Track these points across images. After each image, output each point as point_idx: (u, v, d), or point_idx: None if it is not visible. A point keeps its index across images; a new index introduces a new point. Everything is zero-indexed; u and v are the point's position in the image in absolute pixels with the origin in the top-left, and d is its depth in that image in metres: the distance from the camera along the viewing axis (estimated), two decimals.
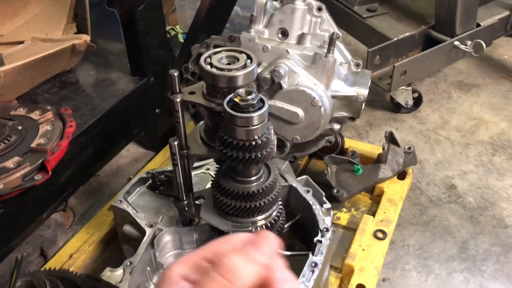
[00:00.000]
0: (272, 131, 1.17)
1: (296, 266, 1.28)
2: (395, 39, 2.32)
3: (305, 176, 1.55)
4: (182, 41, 2.92)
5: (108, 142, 1.76)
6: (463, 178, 2.05)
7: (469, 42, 2.35)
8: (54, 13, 1.98)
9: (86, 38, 1.78)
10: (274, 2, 1.63)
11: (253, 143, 1.12)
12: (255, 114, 1.08)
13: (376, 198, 1.85)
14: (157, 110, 1.98)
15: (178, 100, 1.18)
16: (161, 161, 2.03)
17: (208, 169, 1.59)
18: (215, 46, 1.74)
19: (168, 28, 2.90)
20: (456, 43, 2.33)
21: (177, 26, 3.10)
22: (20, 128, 1.42)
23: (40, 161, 1.33)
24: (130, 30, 1.81)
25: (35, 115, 1.50)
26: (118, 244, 1.61)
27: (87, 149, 1.63)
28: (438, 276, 1.63)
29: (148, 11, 1.77)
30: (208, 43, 1.78)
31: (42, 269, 1.49)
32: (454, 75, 2.76)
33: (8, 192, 1.27)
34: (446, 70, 2.78)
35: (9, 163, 1.30)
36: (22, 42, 1.86)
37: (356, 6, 2.65)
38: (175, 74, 1.17)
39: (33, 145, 1.37)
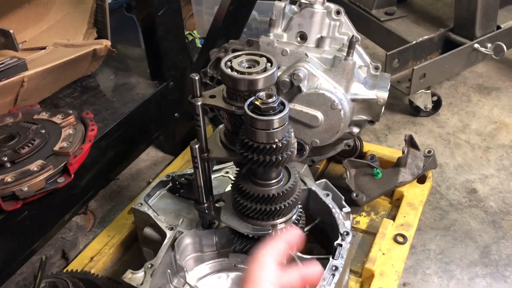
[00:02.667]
0: (292, 134, 1.17)
1: None
2: (414, 42, 2.31)
3: (324, 179, 1.55)
4: (200, 46, 2.95)
5: (128, 146, 1.77)
6: (484, 182, 2.02)
7: (489, 45, 2.32)
8: (75, 19, 2.01)
9: (106, 43, 1.80)
10: (293, 6, 1.63)
11: (274, 146, 1.12)
12: (275, 117, 1.09)
13: (396, 202, 1.83)
14: (176, 114, 2.00)
15: (199, 103, 1.19)
16: (180, 165, 2.04)
17: (227, 172, 1.60)
18: (234, 50, 1.75)
19: (185, 33, 2.92)
20: (476, 45, 2.31)
21: (195, 31, 3.13)
22: (43, 131, 1.44)
23: (63, 164, 1.35)
24: (149, 35, 1.83)
25: (57, 119, 1.52)
26: (138, 247, 1.63)
27: (107, 153, 1.65)
28: (460, 281, 1.61)
29: (167, 16, 1.79)
30: (226, 47, 1.79)
31: (64, 271, 1.51)
32: (474, 78, 2.73)
33: (32, 194, 1.29)
34: (465, 73, 2.75)
35: (33, 166, 1.32)
36: (44, 48, 1.88)
37: (374, 9, 2.65)
38: (197, 78, 1.18)
39: (56, 148, 1.39)
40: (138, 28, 2.85)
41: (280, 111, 1.10)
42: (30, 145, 1.38)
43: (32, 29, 2.00)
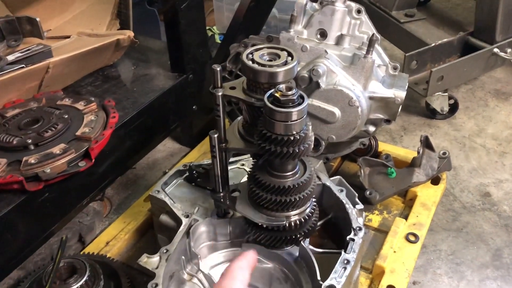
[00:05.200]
0: (310, 127, 1.19)
1: (327, 264, 1.30)
2: (433, 44, 2.31)
3: (338, 176, 1.57)
4: (219, 41, 2.98)
5: (146, 135, 1.81)
6: (498, 186, 2.02)
7: (509, 50, 2.32)
8: (99, 10, 2.05)
9: (130, 33, 1.83)
10: (314, 3, 1.66)
11: (291, 138, 1.14)
12: (294, 109, 1.11)
13: (409, 202, 1.84)
14: (194, 107, 2.02)
15: (220, 94, 1.22)
16: (196, 156, 2.07)
17: (243, 164, 1.62)
18: (253, 46, 1.77)
19: None
20: (496, 50, 2.31)
21: (214, 27, 3.17)
22: (66, 117, 1.48)
23: (84, 149, 1.38)
24: (172, 27, 1.86)
25: (80, 105, 1.56)
26: (153, 234, 1.66)
27: (126, 141, 1.68)
28: (470, 283, 1.62)
29: (190, 10, 1.82)
30: (246, 42, 1.82)
31: (81, 253, 1.54)
32: (492, 83, 2.72)
33: (54, 176, 1.32)
34: (483, 78, 2.74)
35: (56, 149, 1.36)
36: (68, 37, 1.93)
37: (394, 11, 2.65)
38: (218, 69, 1.20)
39: (78, 133, 1.43)
40: (158, 21, 2.90)
41: (299, 104, 1.12)
42: (53, 129, 1.42)
43: (58, 18, 2.05)
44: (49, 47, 1.65)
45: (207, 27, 3.07)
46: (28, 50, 1.63)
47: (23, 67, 1.55)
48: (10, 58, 1.59)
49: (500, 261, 1.69)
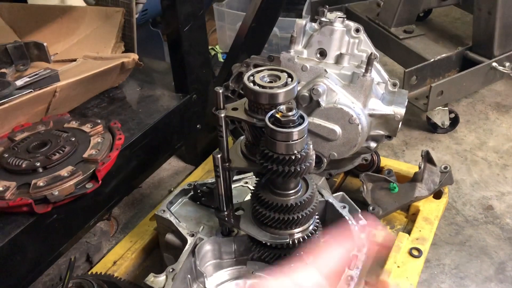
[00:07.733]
0: (311, 146, 1.22)
1: None
2: (432, 60, 2.35)
3: (341, 192, 1.59)
4: (222, 60, 3.03)
5: (152, 155, 1.84)
6: (500, 200, 2.03)
7: (507, 64, 2.35)
8: (104, 33, 2.10)
9: (134, 56, 1.87)
10: (313, 24, 1.70)
11: (293, 157, 1.17)
12: (295, 130, 1.14)
13: (412, 217, 1.85)
14: (198, 126, 2.06)
15: (222, 115, 1.25)
16: (200, 175, 2.10)
17: (246, 182, 1.65)
18: (255, 65, 1.81)
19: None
20: (494, 64, 2.34)
21: (217, 46, 3.22)
22: (73, 139, 1.52)
23: (91, 171, 1.41)
24: (175, 49, 1.90)
25: (86, 127, 1.60)
26: (159, 253, 1.68)
27: (132, 162, 1.72)
28: None
29: (193, 32, 1.87)
30: (248, 62, 1.86)
31: (89, 273, 1.57)
32: (492, 97, 2.75)
33: (62, 198, 1.35)
34: (483, 91, 2.77)
35: (63, 172, 1.39)
36: (74, 60, 1.98)
37: (393, 27, 2.70)
38: (220, 91, 1.24)
39: (85, 155, 1.46)
40: (162, 42, 2.95)
41: (300, 124, 1.15)
42: (61, 152, 1.45)
43: (64, 42, 2.10)
44: (56, 71, 1.70)
45: (210, 47, 3.13)
46: (36, 74, 1.68)
47: (31, 92, 1.59)
48: (19, 83, 1.64)
49: (504, 274, 1.70)
